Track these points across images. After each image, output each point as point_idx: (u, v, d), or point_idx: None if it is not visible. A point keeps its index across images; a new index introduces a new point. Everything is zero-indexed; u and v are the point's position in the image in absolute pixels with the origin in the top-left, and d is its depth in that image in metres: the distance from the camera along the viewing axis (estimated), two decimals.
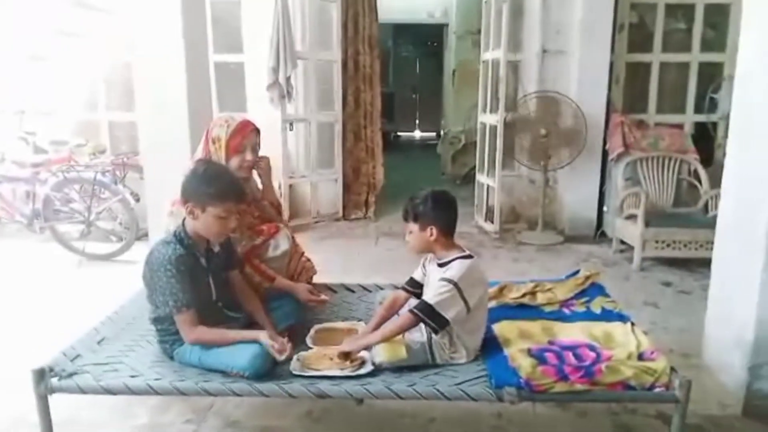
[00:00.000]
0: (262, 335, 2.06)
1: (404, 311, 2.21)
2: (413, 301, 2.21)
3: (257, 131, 2.54)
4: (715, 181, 3.43)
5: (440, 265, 2.13)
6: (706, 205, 4.72)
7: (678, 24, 5.53)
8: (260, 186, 2.75)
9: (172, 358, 2.14)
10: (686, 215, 4.71)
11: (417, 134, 13.87)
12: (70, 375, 2.01)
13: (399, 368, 2.05)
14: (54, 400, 2.02)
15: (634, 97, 5.51)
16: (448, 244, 2.15)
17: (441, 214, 2.13)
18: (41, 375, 1.96)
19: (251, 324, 2.25)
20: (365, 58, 5.94)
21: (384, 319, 2.27)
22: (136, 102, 4.10)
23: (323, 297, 2.53)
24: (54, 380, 1.98)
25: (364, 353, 2.10)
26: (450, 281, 2.04)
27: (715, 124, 5.43)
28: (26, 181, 4.76)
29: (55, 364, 2.04)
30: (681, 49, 5.43)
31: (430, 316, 2.04)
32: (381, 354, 2.06)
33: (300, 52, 5.39)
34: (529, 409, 2.50)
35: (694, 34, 5.35)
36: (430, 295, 2.08)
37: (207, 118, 4.14)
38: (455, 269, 2.07)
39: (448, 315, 2.04)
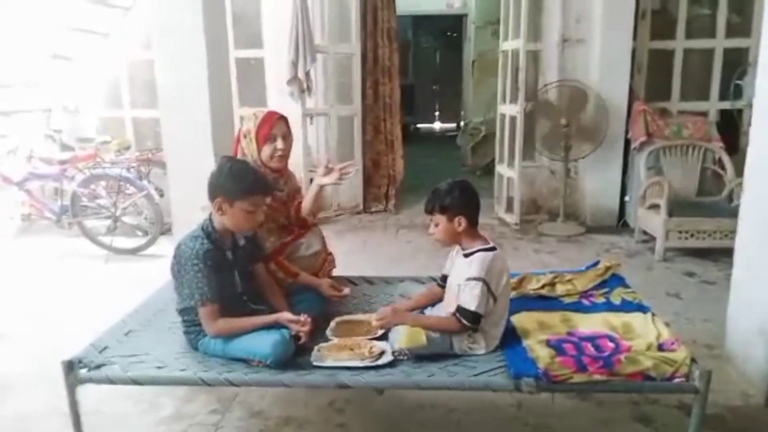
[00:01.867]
0: (282, 316, 2.12)
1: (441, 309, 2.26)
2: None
3: (284, 119, 2.58)
4: (741, 170, 3.37)
5: (465, 255, 2.15)
6: (731, 194, 4.64)
7: (702, 9, 5.43)
8: (301, 187, 2.78)
9: (196, 348, 2.18)
10: (710, 204, 4.64)
11: (437, 126, 13.80)
12: (99, 366, 2.06)
13: (418, 359, 2.07)
14: (82, 391, 2.06)
15: (656, 85, 5.43)
16: (473, 234, 2.17)
17: (467, 202, 2.15)
18: (71, 366, 2.01)
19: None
20: (384, 50, 5.93)
21: (419, 305, 2.34)
22: (159, 99, 4.17)
23: (345, 291, 2.56)
24: (83, 371, 2.03)
25: (383, 344, 2.13)
26: (478, 279, 2.05)
27: (740, 112, 5.33)
28: (54, 178, 4.88)
29: (84, 356, 2.09)
30: (705, 35, 5.35)
31: (474, 321, 2.06)
32: (401, 340, 2.08)
33: (319, 46, 5.42)
34: (549, 399, 2.50)
35: (719, 19, 5.26)
36: (463, 299, 2.07)
37: (228, 114, 4.20)
38: (478, 264, 2.07)
39: (484, 312, 2.07)
